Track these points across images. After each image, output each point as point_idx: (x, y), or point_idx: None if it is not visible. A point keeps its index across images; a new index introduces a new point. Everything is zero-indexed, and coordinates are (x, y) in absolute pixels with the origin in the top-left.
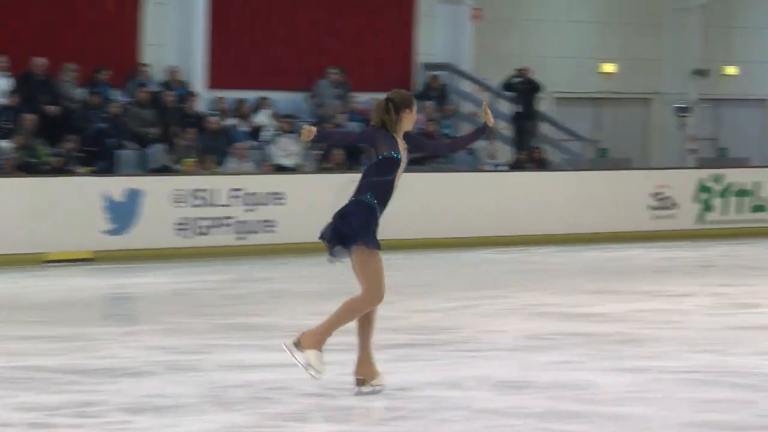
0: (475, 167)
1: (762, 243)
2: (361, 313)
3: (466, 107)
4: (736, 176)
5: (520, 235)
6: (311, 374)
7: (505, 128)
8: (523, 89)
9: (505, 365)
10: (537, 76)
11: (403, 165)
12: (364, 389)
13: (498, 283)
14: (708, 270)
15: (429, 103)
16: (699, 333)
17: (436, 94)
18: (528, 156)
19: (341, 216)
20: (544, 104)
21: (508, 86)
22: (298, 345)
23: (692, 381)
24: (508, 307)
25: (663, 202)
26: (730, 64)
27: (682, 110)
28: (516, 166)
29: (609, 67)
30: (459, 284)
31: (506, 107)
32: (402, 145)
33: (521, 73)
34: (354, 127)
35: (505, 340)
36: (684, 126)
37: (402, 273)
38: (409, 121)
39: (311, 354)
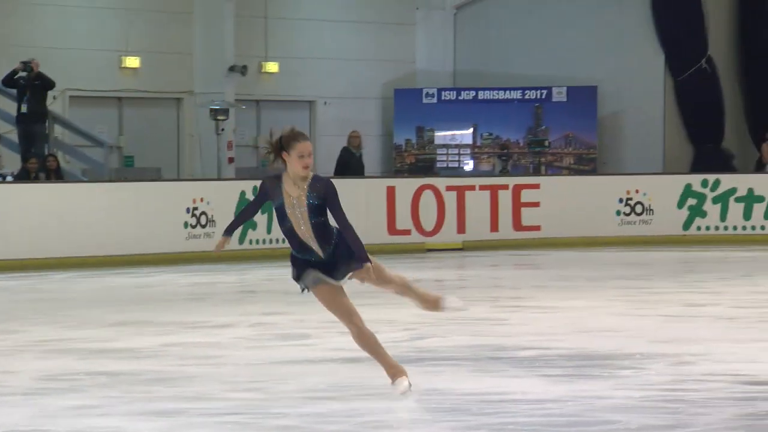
0: None
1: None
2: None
3: None
4: None
5: (31, 259)
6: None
7: (10, 132)
8: (30, 86)
9: (16, 412)
10: (46, 71)
11: (297, 206)
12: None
13: (5, 315)
14: (250, 296)
15: None
16: (240, 369)
17: None
18: (39, 165)
19: None
20: (56, 104)
21: (10, 82)
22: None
23: (233, 424)
24: (19, 343)
25: (198, 219)
26: (270, 60)
27: (219, 112)
28: (24, 176)
29: (132, 62)
30: None
31: (10, 107)
32: (294, 189)
33: (27, 66)
34: None
35: (18, 383)
36: (221, 131)
37: None
38: (294, 160)
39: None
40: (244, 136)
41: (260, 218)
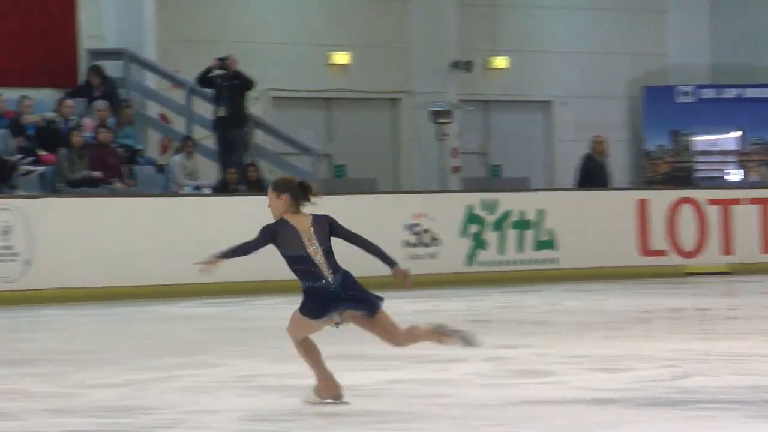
0: (167, 190)
1: (549, 290)
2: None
3: (152, 109)
4: (514, 202)
5: (232, 282)
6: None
7: (208, 137)
8: (227, 85)
9: None
10: (246, 68)
11: (307, 246)
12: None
13: (205, 347)
14: (482, 326)
15: (100, 104)
16: (473, 410)
17: (110, 91)
18: (238, 175)
19: None
20: (257, 106)
21: (205, 81)
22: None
23: None
24: (221, 378)
25: (420, 237)
26: (499, 54)
27: (440, 115)
28: (222, 188)
29: (342, 57)
30: (152, 348)
31: (206, 110)
32: (303, 230)
33: (224, 63)
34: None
35: (220, 424)
36: (444, 136)
37: (66, 334)
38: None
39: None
40: (470, 141)
41: (490, 235)
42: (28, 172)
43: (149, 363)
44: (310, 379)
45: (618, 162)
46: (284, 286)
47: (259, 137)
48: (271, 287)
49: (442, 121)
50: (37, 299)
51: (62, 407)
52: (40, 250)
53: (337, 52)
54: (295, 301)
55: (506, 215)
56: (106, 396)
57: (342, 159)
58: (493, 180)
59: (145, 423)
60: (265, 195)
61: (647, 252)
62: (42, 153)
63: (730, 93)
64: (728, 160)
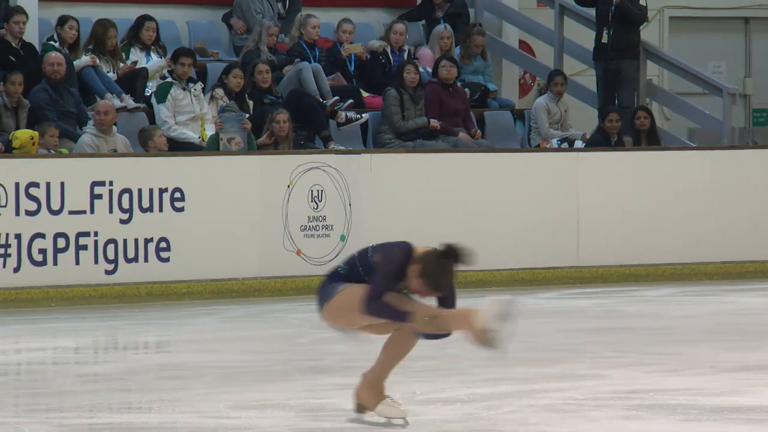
0: (527, 143)
1: None
2: None
3: (510, 35)
4: None
5: (607, 267)
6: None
7: (581, 73)
8: (614, 5)
9: None
10: None
11: None
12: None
13: (574, 349)
14: None
15: (442, 29)
16: None
17: (454, 11)
18: (623, 124)
19: None
20: (650, 30)
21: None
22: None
23: None
24: (598, 393)
25: None
26: None
27: None
28: (600, 140)
29: None
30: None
31: (581, 36)
32: None
33: None
34: (311, 69)
35: None
36: None
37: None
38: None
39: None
40: None
41: None
42: (348, 120)
43: (502, 373)
44: (700, 395)
45: None
46: (677, 271)
47: (653, 72)
48: (657, 273)
49: None
50: None
51: (383, 428)
52: (358, 222)
53: None
54: (698, 292)
55: None
56: (444, 415)
57: (763, 100)
58: None
59: None
60: (651, 149)
61: None
62: (365, 95)
63: None
64: None
